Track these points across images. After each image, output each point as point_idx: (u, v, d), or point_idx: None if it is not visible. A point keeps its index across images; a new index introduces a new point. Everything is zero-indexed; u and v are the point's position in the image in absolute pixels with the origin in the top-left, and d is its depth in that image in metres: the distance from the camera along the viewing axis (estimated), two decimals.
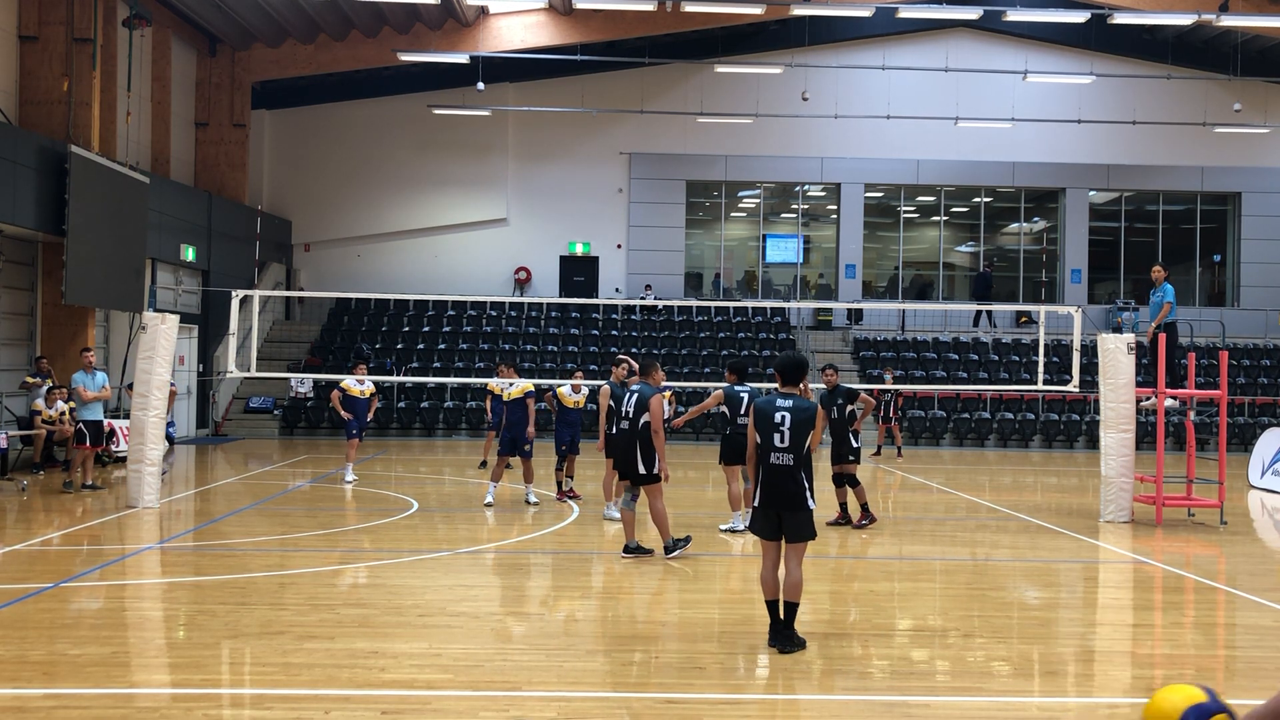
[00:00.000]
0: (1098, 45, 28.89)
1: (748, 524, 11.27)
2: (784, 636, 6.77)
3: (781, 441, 6.79)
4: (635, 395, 9.93)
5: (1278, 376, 28.24)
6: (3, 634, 6.91)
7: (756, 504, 6.92)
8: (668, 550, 9.86)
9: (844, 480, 12.14)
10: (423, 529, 11.83)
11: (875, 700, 5.95)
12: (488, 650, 6.75)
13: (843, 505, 12.26)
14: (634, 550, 9.91)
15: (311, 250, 30.53)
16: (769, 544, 6.91)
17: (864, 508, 12.15)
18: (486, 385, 16.99)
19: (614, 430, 10.31)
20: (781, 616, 6.80)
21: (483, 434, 22.12)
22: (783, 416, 6.81)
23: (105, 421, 17.28)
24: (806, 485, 6.80)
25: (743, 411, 10.91)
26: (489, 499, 13.33)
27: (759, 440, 6.89)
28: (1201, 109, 29.18)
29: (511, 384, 13.45)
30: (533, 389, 13.40)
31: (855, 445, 12.08)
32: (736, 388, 11.09)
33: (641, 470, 9.79)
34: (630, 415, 9.87)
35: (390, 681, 6.05)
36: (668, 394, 13.52)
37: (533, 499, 13.47)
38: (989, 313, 29.99)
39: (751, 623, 7.52)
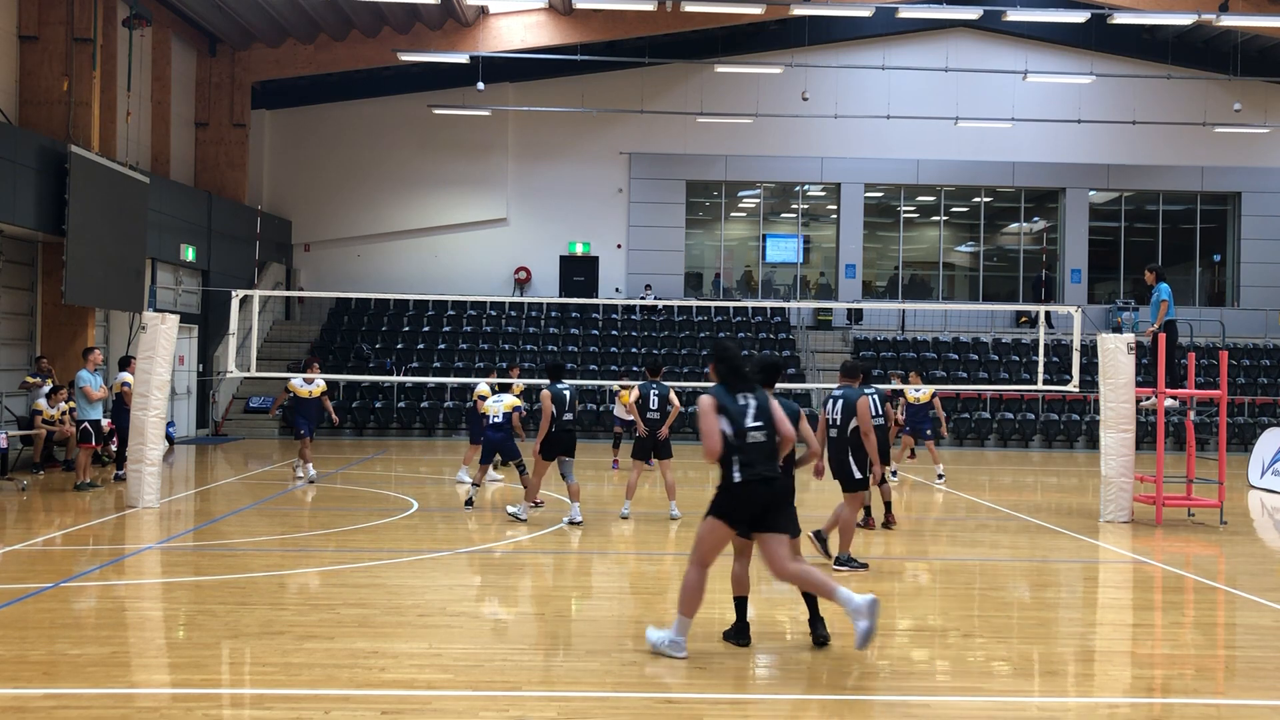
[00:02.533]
0: (1098, 45, 28.88)
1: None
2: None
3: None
4: (840, 401, 9.82)
5: (1278, 376, 28.23)
6: (3, 634, 6.91)
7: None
8: (838, 561, 9.61)
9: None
10: (423, 529, 11.82)
11: (875, 700, 5.96)
12: (488, 650, 6.74)
13: (887, 505, 12.23)
14: (846, 562, 9.59)
15: (311, 250, 30.53)
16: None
17: (867, 510, 12.14)
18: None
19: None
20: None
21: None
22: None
23: (106, 421, 17.33)
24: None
25: (566, 409, 11.71)
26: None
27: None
28: (1201, 109, 29.18)
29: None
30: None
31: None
32: (559, 386, 11.79)
33: (857, 475, 9.67)
34: (838, 422, 9.79)
35: (390, 681, 6.05)
36: (518, 387, 15.44)
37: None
38: (1046, 314, 29.96)
39: (751, 622, 7.51)
